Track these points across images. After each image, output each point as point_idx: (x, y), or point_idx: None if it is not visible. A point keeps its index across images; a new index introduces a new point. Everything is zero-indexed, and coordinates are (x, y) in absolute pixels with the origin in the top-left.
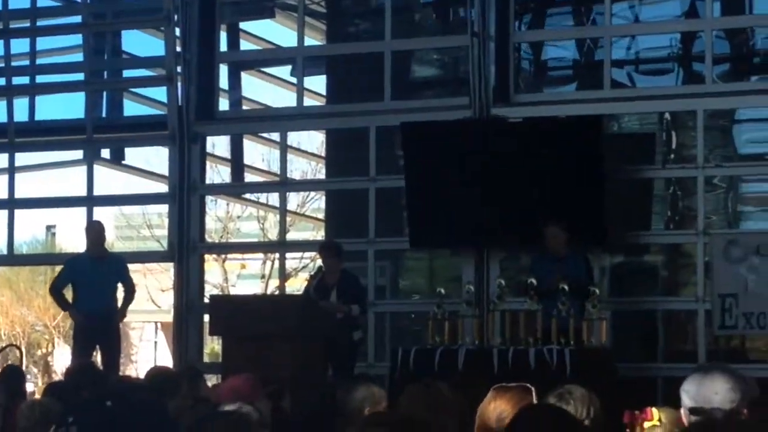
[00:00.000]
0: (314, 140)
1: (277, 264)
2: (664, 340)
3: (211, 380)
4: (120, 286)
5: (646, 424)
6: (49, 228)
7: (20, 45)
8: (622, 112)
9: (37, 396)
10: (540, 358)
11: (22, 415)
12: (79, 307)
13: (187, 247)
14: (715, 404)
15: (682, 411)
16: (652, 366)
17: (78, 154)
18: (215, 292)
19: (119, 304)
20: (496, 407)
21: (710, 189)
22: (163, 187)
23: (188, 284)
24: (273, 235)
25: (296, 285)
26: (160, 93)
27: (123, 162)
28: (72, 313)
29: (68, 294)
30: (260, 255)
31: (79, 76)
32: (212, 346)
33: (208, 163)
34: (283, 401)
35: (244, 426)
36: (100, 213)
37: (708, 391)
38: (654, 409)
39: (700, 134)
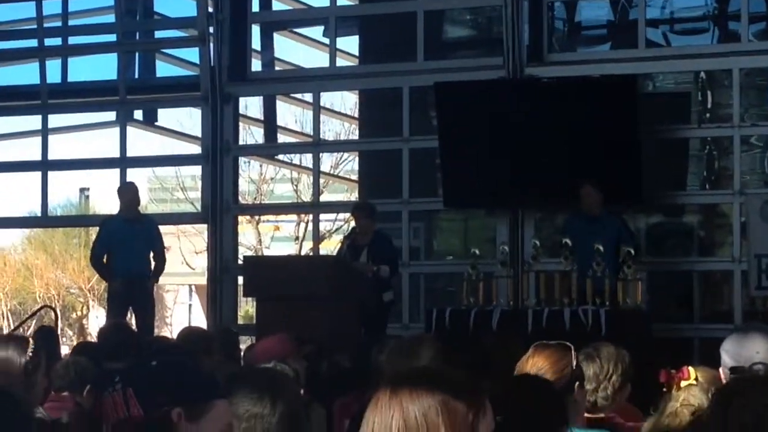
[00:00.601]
0: (347, 101)
1: (310, 226)
2: (700, 300)
3: (246, 342)
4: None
5: (683, 383)
6: (82, 191)
7: (52, 6)
8: (657, 71)
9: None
10: (575, 318)
11: (56, 374)
12: (114, 269)
13: (220, 209)
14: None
15: (721, 370)
16: (688, 327)
17: (111, 115)
18: (249, 254)
19: (152, 266)
20: (534, 364)
21: (746, 148)
22: (196, 149)
23: (222, 246)
24: (306, 197)
25: (330, 247)
26: (192, 54)
27: (156, 123)
28: (113, 282)
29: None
30: (294, 217)
31: (112, 38)
32: (246, 308)
33: (241, 125)
34: (321, 362)
35: (279, 381)
36: (134, 175)
37: (749, 350)
38: (690, 368)
39: (736, 93)
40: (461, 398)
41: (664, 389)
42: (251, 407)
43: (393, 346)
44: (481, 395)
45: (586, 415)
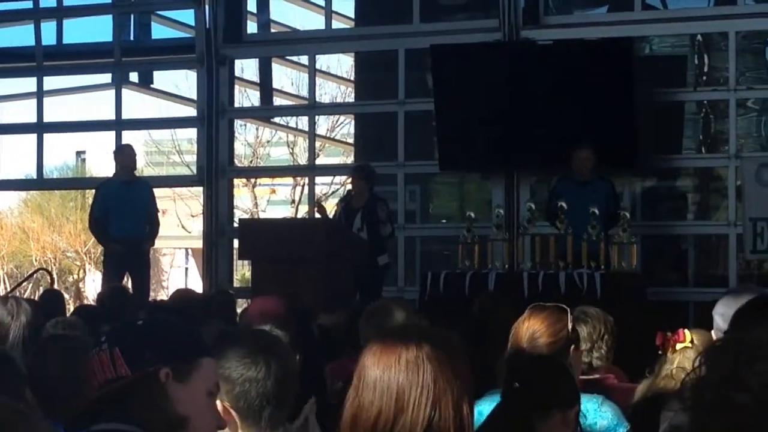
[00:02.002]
0: (343, 64)
1: (306, 190)
2: (695, 264)
3: (242, 305)
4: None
5: (678, 346)
6: (79, 154)
7: None
8: (654, 34)
9: None
10: (570, 282)
11: (46, 333)
12: (111, 232)
13: (216, 171)
14: None
15: (714, 333)
16: (683, 290)
17: (106, 77)
18: (245, 217)
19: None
20: (530, 326)
21: (742, 112)
22: (191, 111)
23: (217, 208)
24: (302, 160)
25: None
26: (187, 16)
27: (151, 86)
28: (111, 246)
29: None
30: (290, 180)
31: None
32: (243, 271)
33: (236, 87)
34: (312, 324)
35: (273, 345)
36: (130, 137)
37: None
38: (686, 331)
39: (733, 56)
40: (449, 351)
41: (660, 352)
42: (245, 371)
43: (367, 308)
44: (460, 347)
45: (582, 377)
